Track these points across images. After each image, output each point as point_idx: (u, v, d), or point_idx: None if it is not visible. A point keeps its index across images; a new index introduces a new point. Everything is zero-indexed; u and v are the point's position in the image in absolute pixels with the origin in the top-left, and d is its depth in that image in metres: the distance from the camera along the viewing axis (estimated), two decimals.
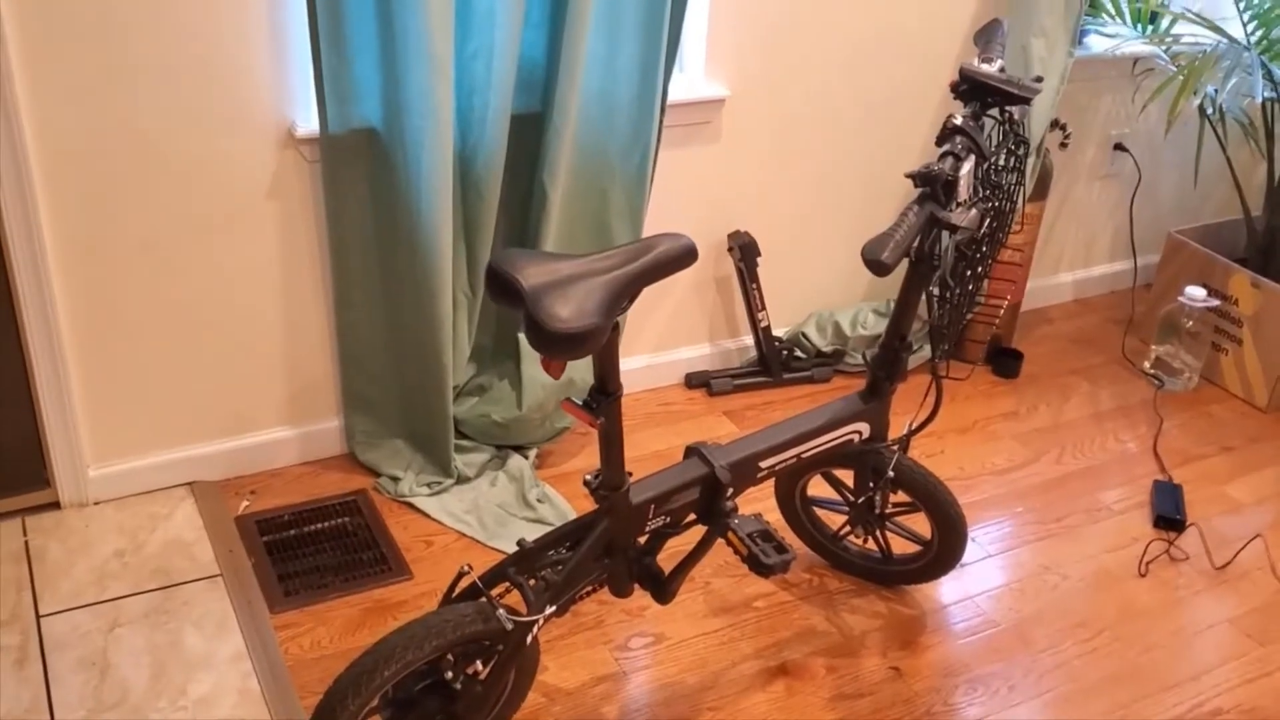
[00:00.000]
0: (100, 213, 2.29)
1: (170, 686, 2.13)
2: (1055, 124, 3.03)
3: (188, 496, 2.61)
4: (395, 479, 2.67)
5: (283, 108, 2.36)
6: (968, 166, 1.80)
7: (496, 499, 2.64)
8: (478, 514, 2.60)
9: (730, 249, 2.99)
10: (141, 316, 2.43)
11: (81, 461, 2.50)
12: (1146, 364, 3.38)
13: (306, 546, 2.52)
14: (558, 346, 1.53)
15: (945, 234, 1.87)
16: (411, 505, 2.63)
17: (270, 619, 2.32)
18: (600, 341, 1.57)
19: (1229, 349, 3.30)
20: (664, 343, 3.09)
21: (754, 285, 3.00)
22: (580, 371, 2.68)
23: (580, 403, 1.74)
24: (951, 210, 1.79)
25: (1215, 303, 3.25)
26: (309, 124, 2.38)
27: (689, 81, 2.80)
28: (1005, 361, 3.31)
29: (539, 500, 2.63)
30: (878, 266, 1.66)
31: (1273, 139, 3.19)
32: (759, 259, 2.98)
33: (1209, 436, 3.13)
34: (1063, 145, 3.14)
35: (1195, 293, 3.21)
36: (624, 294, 1.60)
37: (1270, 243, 3.32)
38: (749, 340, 3.16)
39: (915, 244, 1.98)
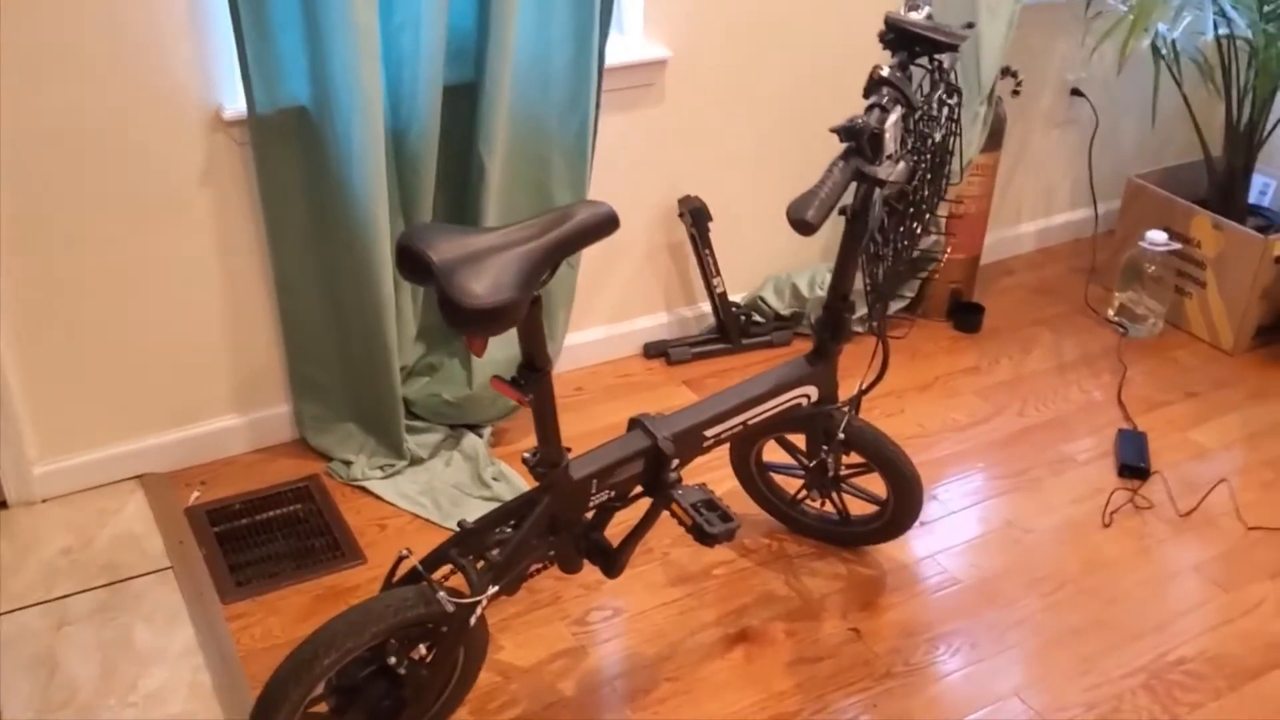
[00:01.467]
0: (28, 206, 2.24)
1: (120, 683, 2.10)
2: (1006, 71, 2.97)
3: (137, 489, 2.57)
4: (347, 463, 2.63)
5: (208, 90, 2.31)
6: (893, 118, 1.75)
7: (451, 479, 2.61)
8: (432, 495, 2.57)
9: (681, 214, 2.94)
10: (79, 310, 2.38)
11: (25, 460, 2.46)
12: (1110, 311, 3.35)
13: (258, 535, 2.48)
14: (473, 323, 1.49)
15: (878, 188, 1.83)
16: (364, 489, 2.60)
17: (222, 610, 2.29)
18: (519, 316, 1.53)
19: (1193, 292, 3.26)
20: (620, 313, 3.05)
21: (707, 251, 2.95)
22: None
23: (509, 380, 1.70)
24: (880, 164, 1.74)
25: (1176, 246, 3.21)
26: (236, 105, 2.32)
27: (628, 44, 2.74)
28: (966, 316, 3.27)
29: (495, 479, 2.60)
30: (803, 226, 1.61)
31: (1229, 77, 3.14)
32: (710, 224, 2.93)
33: (1174, 382, 3.10)
34: (1015, 93, 3.09)
35: (1156, 237, 3.18)
36: (542, 266, 1.56)
37: (1230, 183, 3.28)
38: (707, 307, 3.12)
39: (854, 201, 1.94)
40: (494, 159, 2.46)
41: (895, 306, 3.21)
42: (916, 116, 1.83)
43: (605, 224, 1.63)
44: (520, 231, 1.57)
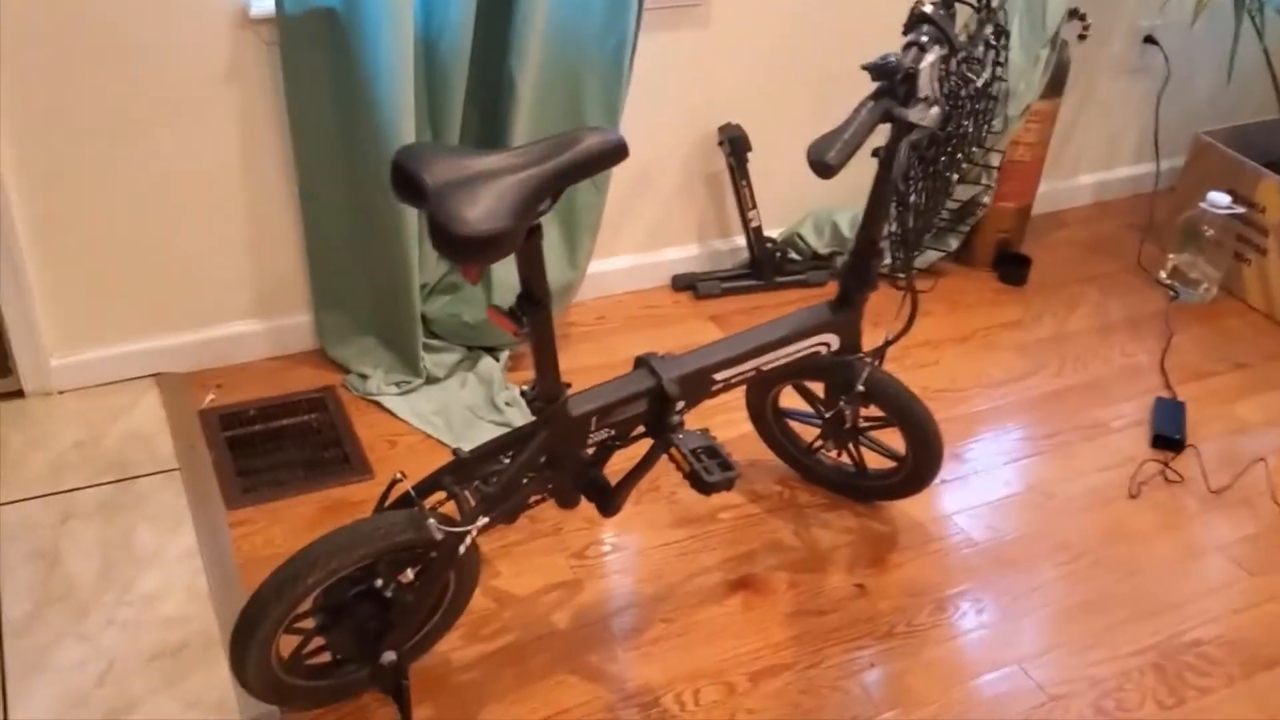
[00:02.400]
0: (51, 98, 2.20)
1: (118, 581, 2.11)
2: (1074, 13, 2.82)
3: (153, 388, 2.56)
4: (364, 376, 2.61)
5: None
6: (931, 58, 1.64)
7: (465, 401, 2.57)
8: (445, 415, 2.54)
9: (720, 142, 2.85)
10: (100, 203, 2.35)
11: (43, 350, 2.45)
12: (1162, 273, 3.21)
13: (269, 443, 2.47)
14: (462, 251, 1.42)
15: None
16: (379, 404, 2.57)
17: (226, 515, 2.28)
18: (513, 246, 1.46)
19: (1252, 259, 3.12)
20: (650, 243, 2.97)
21: (744, 182, 2.86)
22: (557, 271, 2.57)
23: (506, 310, 1.64)
24: (912, 107, 1.64)
25: (1239, 210, 3.06)
26: (264, 3, 2.26)
27: None
28: (1012, 268, 3.16)
29: (508, 404, 2.56)
30: (822, 168, 1.53)
31: None
32: (749, 154, 2.84)
33: (1222, 352, 2.98)
34: (1082, 37, 2.93)
35: (1218, 199, 3.03)
36: (541, 194, 1.49)
37: None
38: (742, 241, 3.03)
39: (887, 144, 1.85)
40: (525, 76, 2.38)
41: (935, 256, 3.09)
42: (958, 58, 1.73)
43: (613, 152, 1.55)
44: (521, 156, 1.50)
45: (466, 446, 2.42)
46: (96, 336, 2.50)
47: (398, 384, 2.60)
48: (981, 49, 1.77)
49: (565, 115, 2.51)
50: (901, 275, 1.88)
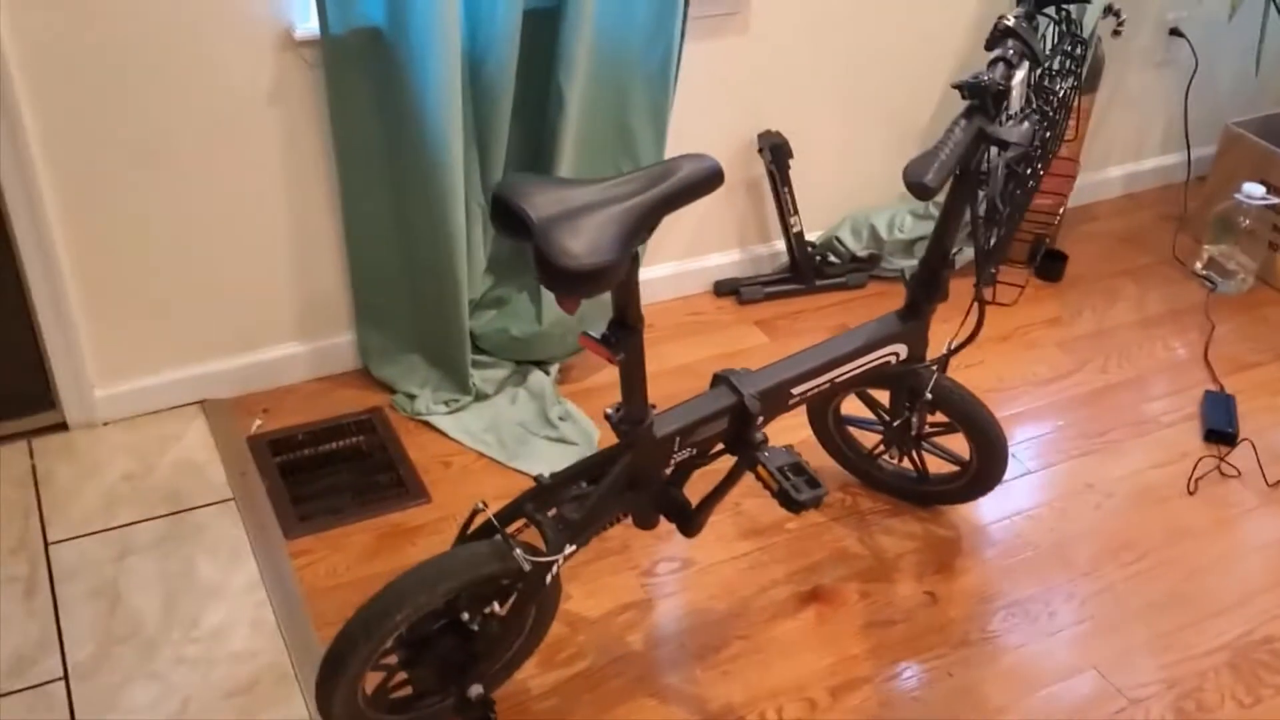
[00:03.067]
0: (91, 121, 2.16)
1: (183, 617, 2.08)
2: (1108, 10, 2.81)
3: (199, 415, 2.52)
4: (411, 396, 2.57)
5: (280, 7, 2.20)
6: (1020, 74, 1.62)
7: (517, 417, 2.55)
8: (497, 433, 2.51)
9: (760, 150, 2.83)
10: (141, 229, 2.31)
11: (86, 381, 2.41)
12: (1198, 265, 3.21)
13: (321, 468, 2.44)
14: (571, 285, 1.40)
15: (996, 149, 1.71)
16: (429, 424, 2.54)
17: (285, 545, 2.25)
18: (618, 277, 1.44)
19: None
20: (692, 249, 2.95)
21: (785, 188, 2.84)
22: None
23: (598, 337, 1.62)
24: (1002, 123, 1.63)
25: (1275, 200, 3.06)
26: (309, 25, 2.22)
27: None
28: (1048, 264, 3.15)
29: (561, 418, 2.53)
30: (921, 189, 1.51)
31: None
32: (790, 161, 2.82)
33: (1265, 342, 2.97)
34: (1116, 33, 2.92)
35: (1253, 190, 3.03)
36: (643, 224, 1.46)
37: None
38: (781, 245, 3.01)
39: (976, 162, 1.83)
40: (573, 89, 2.35)
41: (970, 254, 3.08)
42: (1039, 72, 1.71)
43: (709, 179, 1.53)
44: (621, 187, 1.47)
45: (520, 464, 2.43)
46: (140, 365, 2.46)
47: (446, 402, 2.57)
48: (1059, 60, 1.74)
49: (613, 127, 2.48)
50: (978, 288, 1.86)
